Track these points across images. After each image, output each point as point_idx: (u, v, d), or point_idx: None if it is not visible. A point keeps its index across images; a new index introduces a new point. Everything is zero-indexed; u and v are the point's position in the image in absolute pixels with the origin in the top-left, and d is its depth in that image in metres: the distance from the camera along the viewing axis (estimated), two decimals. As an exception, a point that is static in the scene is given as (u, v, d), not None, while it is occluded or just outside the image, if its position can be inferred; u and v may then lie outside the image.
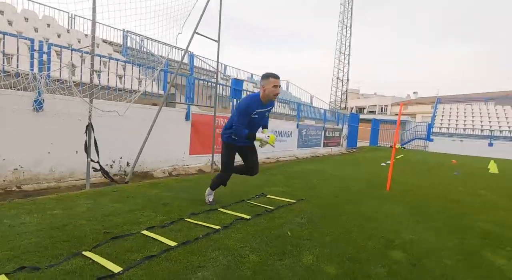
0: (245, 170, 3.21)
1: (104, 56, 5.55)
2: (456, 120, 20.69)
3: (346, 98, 28.38)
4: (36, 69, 3.85)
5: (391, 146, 20.94)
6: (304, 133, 11.03)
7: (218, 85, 7.79)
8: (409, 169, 7.99)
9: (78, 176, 4.27)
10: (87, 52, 4.39)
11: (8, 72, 3.65)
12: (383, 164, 8.71)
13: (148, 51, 8.11)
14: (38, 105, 3.71)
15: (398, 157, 11.91)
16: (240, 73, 16.94)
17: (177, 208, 2.97)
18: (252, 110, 2.78)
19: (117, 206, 2.91)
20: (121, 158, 4.90)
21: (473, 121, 20.10)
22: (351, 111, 49.13)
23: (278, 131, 9.37)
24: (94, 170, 3.89)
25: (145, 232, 2.27)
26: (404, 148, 20.49)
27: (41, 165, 3.92)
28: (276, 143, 9.37)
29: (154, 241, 2.12)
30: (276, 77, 2.78)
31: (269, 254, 2.03)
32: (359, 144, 21.20)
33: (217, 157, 6.69)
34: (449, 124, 20.35)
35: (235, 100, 7.94)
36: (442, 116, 21.58)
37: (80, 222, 2.41)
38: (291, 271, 1.81)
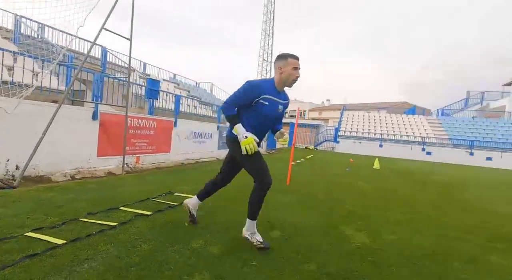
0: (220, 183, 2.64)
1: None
2: (357, 125, 24.28)
3: (268, 103, 30.20)
4: None
5: (306, 148, 23.24)
6: (225, 134, 11.43)
7: (132, 84, 7.52)
8: (312, 167, 9.16)
9: None
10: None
11: None
12: (293, 163, 9.72)
13: (46, 40, 7.24)
14: None
15: (308, 157, 13.40)
16: (162, 72, 16.40)
17: (73, 209, 2.88)
18: (260, 92, 2.18)
19: (-2, 211, 2.66)
20: (8, 161, 4.34)
21: (369, 126, 23.92)
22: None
23: (198, 133, 9.51)
24: None
25: (30, 233, 2.19)
26: (316, 149, 22.99)
27: None
28: (196, 144, 9.55)
29: (40, 241, 2.08)
30: (296, 57, 2.25)
31: (162, 243, 2.23)
32: (278, 145, 22.89)
33: (126, 159, 6.45)
34: (351, 128, 23.74)
35: (152, 100, 7.78)
36: (347, 121, 25.02)
37: None
38: (179, 254, 2.06)
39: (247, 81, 2.24)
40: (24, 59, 5.44)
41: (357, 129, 23.61)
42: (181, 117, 8.79)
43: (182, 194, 3.88)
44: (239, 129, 2.18)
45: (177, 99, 8.35)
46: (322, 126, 29.06)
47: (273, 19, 28.40)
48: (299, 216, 3.29)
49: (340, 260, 2.20)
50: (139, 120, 6.94)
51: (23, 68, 5.25)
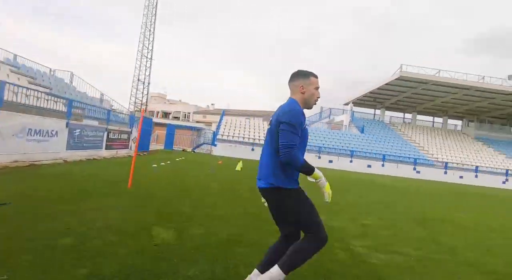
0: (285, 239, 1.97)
1: None
2: (234, 130, 25.89)
3: (146, 101, 28.25)
4: None
5: (183, 150, 22.99)
6: (78, 133, 9.92)
7: None
8: (174, 169, 9.13)
9: None
10: None
11: None
12: (154, 165, 9.40)
13: None
14: None
15: (178, 159, 13.27)
16: (-7, 50, 12.83)
17: None
18: (303, 124, 1.84)
19: None
20: None
21: (244, 131, 25.92)
22: (157, 115, 49.43)
23: (36, 130, 7.87)
24: None
25: None
26: (194, 151, 23.10)
27: None
28: (31, 143, 7.85)
29: None
30: (316, 76, 1.97)
31: None
32: (156, 147, 21.74)
33: None
34: (229, 133, 25.11)
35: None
36: (225, 125, 26.31)
37: None
38: None
39: (293, 115, 1.78)
40: None
41: (233, 133, 25.15)
42: (6, 108, 7.05)
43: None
44: (319, 173, 1.85)
45: (1, 85, 6.64)
46: (203, 129, 29.50)
47: (155, 13, 26.95)
48: (120, 218, 3.17)
49: (133, 257, 2.23)
50: None
51: None
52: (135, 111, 24.81)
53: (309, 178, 1.84)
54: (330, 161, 23.36)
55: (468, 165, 25.13)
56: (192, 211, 3.99)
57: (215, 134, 24.02)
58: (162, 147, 22.44)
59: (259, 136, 25.26)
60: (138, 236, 2.77)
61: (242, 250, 2.76)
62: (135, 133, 15.58)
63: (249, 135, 25.33)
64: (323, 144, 25.19)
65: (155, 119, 37.57)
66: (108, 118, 12.52)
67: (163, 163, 10.08)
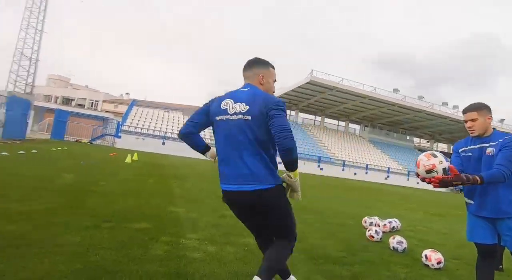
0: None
1: None
2: (144, 122, 23.74)
3: (33, 82, 23.49)
4: None
5: (77, 141, 19.88)
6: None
7: None
8: (37, 158, 7.43)
9: None
10: None
11: None
12: (4, 153, 7.46)
13: None
14: None
15: (54, 149, 11.12)
16: None
17: None
18: None
19: None
20: None
21: (155, 124, 24.03)
22: (56, 101, 42.22)
23: None
24: None
25: None
26: (91, 143, 20.21)
27: None
28: None
29: None
30: (274, 68, 1.79)
31: None
32: (41, 135, 18.15)
33: None
34: (137, 124, 22.87)
35: None
36: (134, 116, 23.90)
37: None
38: None
39: (282, 101, 1.62)
40: None
41: (142, 125, 23.05)
42: None
43: None
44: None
45: None
46: (109, 119, 26.27)
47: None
48: None
49: None
50: None
51: None
52: (15, 91, 20.23)
53: (290, 175, 1.60)
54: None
55: (361, 163, 28.86)
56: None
57: (119, 124, 21.50)
58: (49, 137, 18.87)
59: (172, 130, 23.78)
60: None
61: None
62: (1, 117, 12.50)
63: (161, 128, 23.59)
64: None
65: (49, 105, 31.85)
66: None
67: (22, 151, 8.13)
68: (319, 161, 26.25)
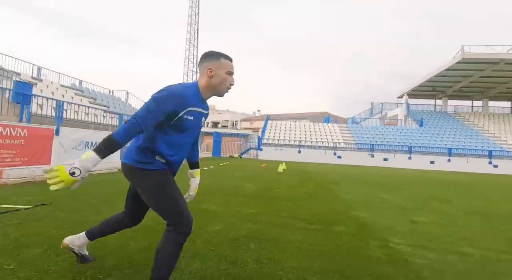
0: (126, 220, 1.88)
1: None
2: (279, 134, 25.66)
3: (195, 113, 29.87)
4: None
5: (230, 156, 23.50)
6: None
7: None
8: (216, 172, 9.25)
9: None
10: None
11: None
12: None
13: None
14: None
15: (222, 164, 13.53)
16: (63, 78, 14.81)
17: None
18: (185, 104, 1.54)
19: None
20: None
21: (289, 134, 25.52)
22: (207, 125, 51.81)
23: (92, 143, 8.74)
24: None
25: None
26: (241, 157, 23.45)
27: None
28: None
29: None
30: (230, 59, 1.68)
31: None
32: (204, 155, 22.64)
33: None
34: (274, 136, 24.97)
35: (23, 106, 6.87)
36: (270, 130, 26.25)
37: None
38: None
39: (165, 90, 1.53)
40: None
41: (279, 137, 24.93)
42: (68, 124, 7.97)
43: (10, 206, 3.42)
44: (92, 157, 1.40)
45: (59, 105, 7.55)
46: (249, 135, 29.90)
47: (197, 29, 28.51)
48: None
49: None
50: (8, 129, 6.03)
51: None
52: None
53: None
54: (385, 159, 21.55)
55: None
56: (218, 209, 3.88)
57: (260, 138, 24.10)
58: (211, 155, 23.30)
59: (305, 138, 24.61)
60: (153, 233, 2.73)
61: (257, 246, 2.52)
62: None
63: (294, 137, 24.85)
64: (376, 141, 23.42)
65: (204, 129, 39.40)
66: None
67: (205, 168, 10.33)
68: (490, 156, 20.76)
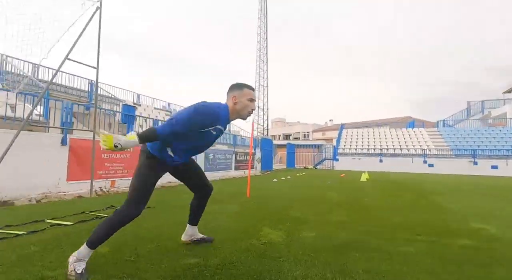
0: (199, 197, 2.34)
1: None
2: (356, 142, 24.05)
3: (267, 126, 30.51)
4: None
5: (305, 167, 22.99)
6: (212, 157, 11.53)
7: (116, 113, 7.88)
8: (294, 182, 9.05)
9: None
10: None
11: None
12: (275, 180, 9.64)
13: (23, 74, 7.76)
14: None
15: (298, 174, 13.25)
16: (155, 102, 17.03)
17: None
18: (215, 121, 1.88)
19: None
20: (-31, 186, 4.52)
21: (368, 142, 23.66)
22: (279, 138, 52.39)
23: (181, 156, 9.64)
24: None
25: None
26: (316, 168, 22.71)
27: None
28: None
29: None
30: (252, 88, 2.04)
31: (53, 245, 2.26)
32: (278, 167, 22.75)
33: (100, 183, 6.59)
34: (350, 146, 23.51)
35: (129, 125, 8.06)
36: (346, 139, 24.86)
37: None
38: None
39: (207, 105, 1.86)
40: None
41: (356, 145, 23.37)
42: (161, 140, 8.99)
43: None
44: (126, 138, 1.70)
45: (155, 123, 8.61)
46: (323, 145, 28.93)
47: (266, 46, 29.60)
48: (236, 223, 3.26)
49: (238, 254, 2.17)
50: (113, 145, 7.14)
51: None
52: (258, 135, 27.11)
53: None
54: (494, 167, 17.91)
55: None
56: (305, 216, 3.68)
57: (335, 148, 23.00)
58: (285, 167, 23.27)
59: (386, 146, 22.45)
60: (247, 236, 2.71)
61: (362, 255, 2.23)
62: (258, 154, 16.84)
63: (374, 145, 22.91)
64: (479, 146, 19.77)
65: (276, 141, 39.87)
66: (235, 142, 14.04)
67: (283, 178, 10.25)
68: None
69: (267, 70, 29.58)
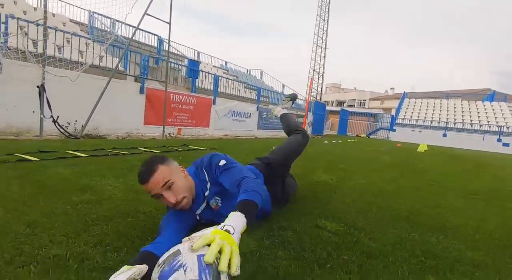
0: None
1: (52, 28, 6.18)
2: (419, 113, 22.17)
3: (321, 90, 29.53)
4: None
5: (357, 135, 22.29)
6: (265, 115, 11.96)
7: (175, 64, 8.60)
8: (344, 146, 9.07)
9: (34, 132, 5.00)
10: (39, 24, 5.04)
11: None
12: (326, 142, 9.77)
13: (110, 30, 8.71)
14: (-4, 67, 4.42)
15: (350, 140, 13.06)
16: (214, 60, 17.64)
17: (107, 146, 3.80)
18: None
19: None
20: (76, 121, 5.64)
21: (433, 114, 21.63)
22: (332, 104, 50.51)
23: (237, 112, 10.23)
24: (53, 122, 4.62)
25: (71, 152, 3.11)
26: (368, 137, 21.85)
27: (0, 121, 4.63)
28: (234, 122, 10.27)
29: (72, 155, 2.96)
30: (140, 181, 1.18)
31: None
32: (328, 133, 22.45)
33: (169, 129, 7.50)
34: (411, 116, 21.80)
35: (193, 79, 8.74)
36: (407, 109, 23.02)
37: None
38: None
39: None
40: (93, 45, 6.79)
41: (418, 116, 21.60)
42: (220, 96, 9.60)
43: (196, 147, 4.57)
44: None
45: (215, 78, 9.15)
46: (379, 114, 27.31)
47: (329, 2, 27.43)
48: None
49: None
50: (180, 96, 7.94)
51: (92, 51, 6.58)
52: (312, 99, 26.57)
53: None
54: None
55: None
56: (356, 170, 3.90)
57: (393, 118, 21.61)
58: (336, 133, 22.84)
59: (454, 119, 20.33)
60: (300, 177, 3.08)
61: (404, 201, 2.44)
62: (310, 118, 16.80)
63: (439, 117, 20.91)
64: None
65: (329, 108, 38.60)
66: (288, 103, 14.18)
67: (334, 141, 10.31)
68: None
69: (327, 29, 27.76)
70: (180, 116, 7.98)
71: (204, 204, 1.30)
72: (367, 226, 1.70)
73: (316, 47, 28.01)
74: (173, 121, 7.75)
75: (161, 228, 1.17)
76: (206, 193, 1.29)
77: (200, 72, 9.15)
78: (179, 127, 8.01)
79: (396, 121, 21.36)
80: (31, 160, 2.54)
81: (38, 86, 4.48)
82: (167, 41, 7.00)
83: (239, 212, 0.88)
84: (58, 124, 4.75)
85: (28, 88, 4.69)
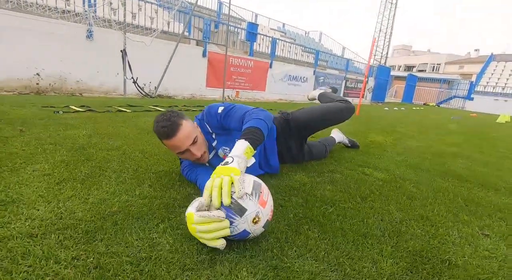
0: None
1: None
2: (506, 79, 18.91)
3: (387, 53, 26.82)
4: (87, 7, 5.26)
5: (424, 104, 20.22)
6: (322, 80, 11.63)
7: (241, 31, 8.75)
8: (410, 113, 8.49)
9: (119, 92, 5.87)
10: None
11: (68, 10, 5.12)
12: (386, 108, 9.22)
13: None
14: (89, 33, 5.19)
15: (415, 108, 12.03)
16: (271, 22, 17.24)
17: (168, 105, 4.34)
18: None
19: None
20: (150, 82, 6.39)
21: (526, 80, 18.27)
22: (399, 69, 45.76)
23: (293, 76, 10.17)
24: (133, 82, 5.38)
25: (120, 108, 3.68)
26: (438, 106, 19.66)
27: (94, 80, 5.54)
28: (290, 86, 10.27)
29: (119, 110, 3.52)
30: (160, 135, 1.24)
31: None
32: (391, 100, 20.80)
33: (228, 92, 7.93)
34: (496, 83, 18.76)
35: (251, 42, 8.85)
36: (492, 74, 19.79)
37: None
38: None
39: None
40: (163, 11, 7.30)
41: (505, 83, 18.49)
42: (277, 60, 9.60)
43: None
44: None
45: (273, 42, 9.11)
46: (456, 80, 24.05)
47: None
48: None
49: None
50: (238, 60, 8.21)
51: (154, 17, 7.12)
52: (375, 63, 24.44)
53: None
54: None
55: None
56: (414, 134, 3.79)
57: (472, 84, 18.88)
58: (399, 101, 21.03)
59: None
60: (354, 136, 3.18)
61: (458, 161, 2.40)
62: (371, 83, 15.72)
63: (534, 85, 17.60)
64: None
65: (394, 72, 35.10)
66: (347, 68, 13.45)
67: (396, 108, 9.68)
68: None
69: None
70: (238, 79, 8.33)
71: (213, 153, 1.36)
72: (414, 178, 1.82)
73: (386, 2, 24.98)
74: (232, 84, 8.16)
75: (196, 175, 1.26)
76: (214, 144, 1.35)
77: (258, 35, 9.18)
78: (237, 90, 8.40)
79: (476, 89, 18.67)
80: (126, 111, 3.14)
81: (121, 50, 5.16)
82: (227, 5, 7.13)
83: (239, 140, 0.97)
84: (138, 85, 5.47)
85: (113, 53, 5.43)
